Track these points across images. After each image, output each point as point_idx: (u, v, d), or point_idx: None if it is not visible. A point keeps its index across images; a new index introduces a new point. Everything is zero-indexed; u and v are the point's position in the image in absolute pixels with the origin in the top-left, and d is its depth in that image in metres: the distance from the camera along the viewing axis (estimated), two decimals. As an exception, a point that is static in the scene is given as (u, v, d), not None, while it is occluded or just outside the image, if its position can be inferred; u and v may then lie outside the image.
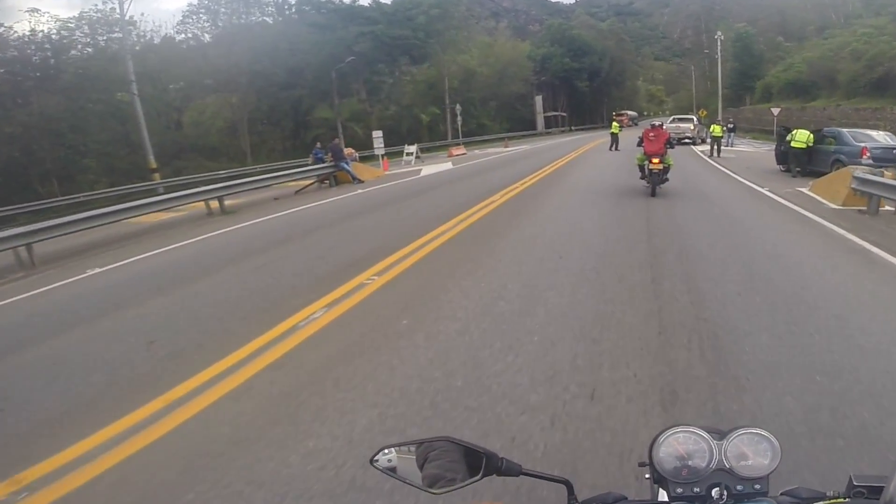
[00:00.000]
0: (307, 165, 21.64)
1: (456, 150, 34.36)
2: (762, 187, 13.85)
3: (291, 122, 40.58)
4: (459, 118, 49.75)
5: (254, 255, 9.10)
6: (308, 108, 39.70)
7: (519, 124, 65.93)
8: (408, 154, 29.67)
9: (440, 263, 7.55)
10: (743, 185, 14.92)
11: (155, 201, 14.13)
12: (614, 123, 30.36)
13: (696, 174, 18.16)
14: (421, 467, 1.08)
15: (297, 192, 18.98)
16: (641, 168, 12.91)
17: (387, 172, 24.33)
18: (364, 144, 39.21)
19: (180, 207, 15.69)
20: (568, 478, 1.11)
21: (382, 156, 25.39)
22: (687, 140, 32.89)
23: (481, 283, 6.33)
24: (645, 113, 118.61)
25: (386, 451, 1.11)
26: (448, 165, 25.52)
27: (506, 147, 39.55)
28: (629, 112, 74.20)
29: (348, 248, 9.02)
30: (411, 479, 1.08)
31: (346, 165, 20.00)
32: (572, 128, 76.38)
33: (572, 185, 15.88)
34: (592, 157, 25.77)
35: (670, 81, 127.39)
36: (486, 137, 53.44)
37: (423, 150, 40.18)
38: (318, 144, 21.38)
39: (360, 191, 17.48)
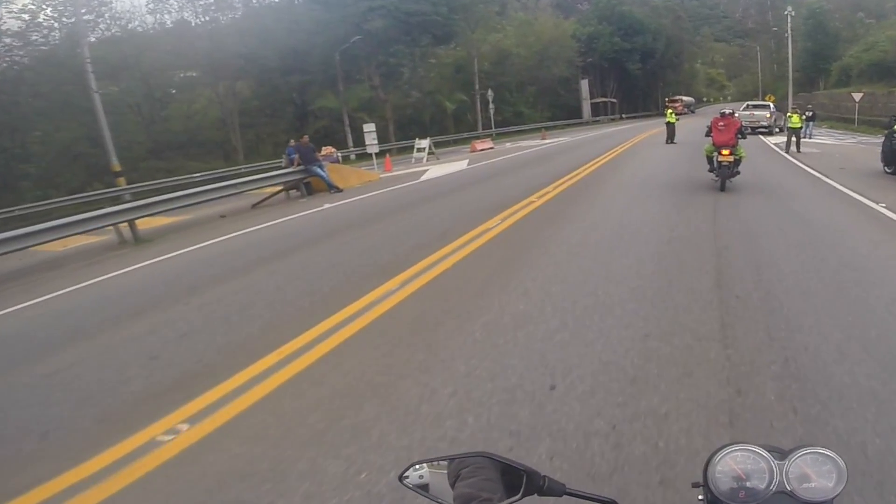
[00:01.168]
0: (282, 168, 17.92)
1: (480, 144, 30.55)
2: (877, 202, 9.92)
3: (292, 114, 37.10)
4: (492, 106, 45.80)
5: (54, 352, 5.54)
6: (314, 96, 36.13)
7: (562, 112, 62.19)
8: (419, 150, 26.05)
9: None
10: (842, 195, 11.10)
11: (42, 229, 10.59)
12: (669, 111, 26.59)
13: (774, 176, 14.45)
14: (453, 485, 1.05)
15: (254, 205, 15.42)
16: (710, 160, 12.27)
17: (386, 175, 20.83)
18: (378, 137, 35.65)
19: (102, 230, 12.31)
20: (615, 498, 1.08)
21: (376, 154, 21.58)
22: (762, 129, 30.23)
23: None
24: (704, 99, 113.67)
25: (417, 466, 1.09)
26: (462, 165, 21.76)
27: (543, 139, 36.03)
28: (684, 98, 68.87)
29: (241, 324, 5.79)
30: (443, 498, 1.05)
31: (319, 170, 16.41)
32: (623, 116, 71.73)
33: (602, 215, 12.32)
34: (644, 152, 22.20)
35: (732, 65, 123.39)
36: (523, 127, 49.93)
37: (444, 144, 36.59)
38: (292, 142, 17.67)
39: (327, 206, 13.98)
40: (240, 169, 26.26)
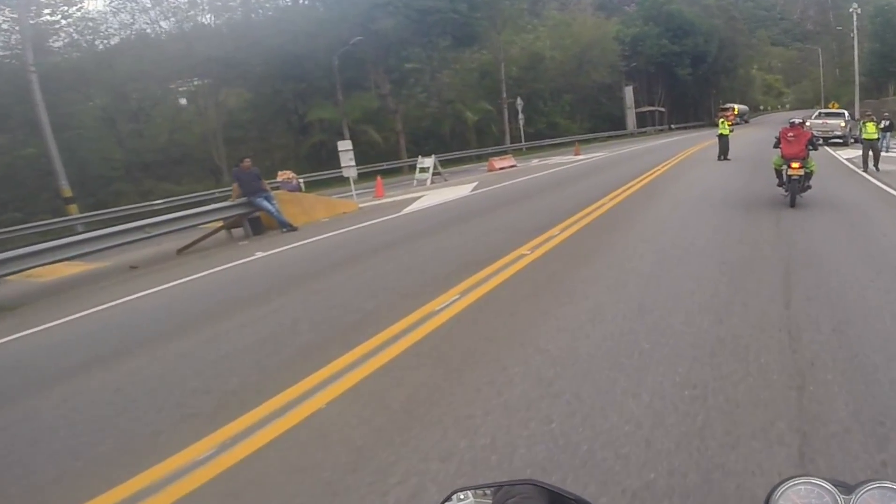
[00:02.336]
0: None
1: (500, 162, 27.56)
2: None
3: (287, 127, 34.33)
4: (521, 116, 42.76)
5: None
6: (312, 107, 33.39)
7: (604, 123, 59.49)
8: (421, 170, 22.95)
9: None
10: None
11: None
12: (722, 122, 23.08)
13: (850, 199, 12.25)
14: None
15: (179, 250, 12.52)
16: (779, 173, 11.87)
17: (370, 203, 17.91)
18: (386, 153, 32.87)
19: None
20: None
21: (354, 179, 18.57)
22: (836, 140, 27.75)
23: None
24: (761, 108, 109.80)
25: (461, 494, 1.06)
26: (467, 189, 18.82)
27: (576, 154, 32.95)
28: (737, 106, 64.34)
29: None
30: None
31: (265, 203, 13.36)
32: (672, 126, 69.08)
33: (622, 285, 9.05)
34: (691, 172, 19.14)
35: (790, 70, 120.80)
36: (558, 140, 47.20)
37: (463, 161, 33.63)
38: (241, 164, 14.63)
39: (258, 255, 11.05)
40: (212, 193, 23.49)
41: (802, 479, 0.99)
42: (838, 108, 36.09)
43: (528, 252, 8.68)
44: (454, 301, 6.44)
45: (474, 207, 15.02)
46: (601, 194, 14.36)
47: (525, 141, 45.36)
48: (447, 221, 12.96)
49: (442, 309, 6.20)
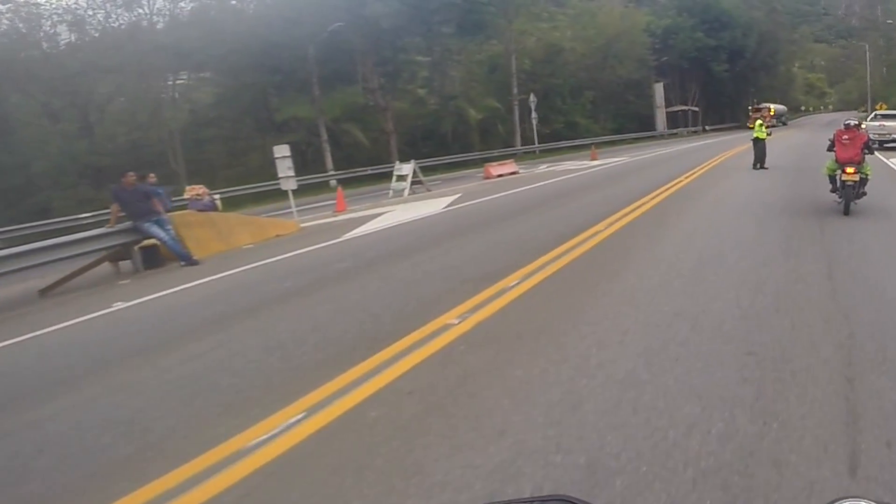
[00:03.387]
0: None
1: (497, 168, 25.10)
2: None
3: (256, 126, 31.68)
4: (534, 115, 39.82)
5: None
6: (285, 103, 30.77)
7: (631, 123, 57.42)
8: (398, 178, 20.36)
9: None
10: None
11: None
12: (758, 123, 20.39)
13: None
14: None
15: (42, 290, 10.08)
16: (832, 179, 11.25)
17: (321, 221, 15.46)
18: (374, 156, 30.34)
19: None
20: None
21: (293, 191, 16.01)
22: (893, 144, 26.05)
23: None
24: (803, 108, 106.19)
25: None
26: (441, 204, 16.27)
27: (593, 159, 30.52)
28: (773, 106, 61.04)
29: None
30: None
31: (156, 230, 10.79)
32: (706, 128, 66.85)
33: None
34: (721, 184, 16.38)
35: (834, 69, 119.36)
36: (576, 142, 44.64)
37: (462, 166, 31.03)
38: (122, 179, 11.97)
39: (118, 306, 8.43)
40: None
41: (851, 500, 0.99)
42: (886, 110, 34.28)
43: (456, 321, 5.96)
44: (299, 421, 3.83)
45: (433, 233, 12.46)
46: (602, 214, 11.79)
47: (538, 143, 42.96)
48: (385, 255, 10.35)
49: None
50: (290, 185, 15.67)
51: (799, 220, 10.28)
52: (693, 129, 65.47)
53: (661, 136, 57.82)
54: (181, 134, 29.05)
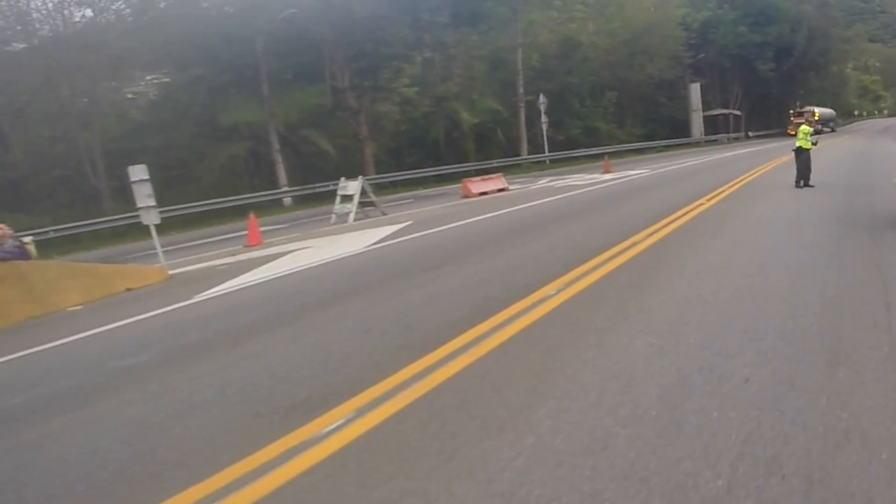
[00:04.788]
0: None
1: (480, 185, 22.63)
2: None
3: (197, 133, 28.45)
4: (544, 119, 37.06)
5: None
6: (230, 106, 27.67)
7: (662, 128, 55.65)
8: (343, 197, 17.32)
9: None
10: None
11: None
12: (803, 128, 17.51)
13: None
14: None
15: None
16: None
17: (207, 265, 13.02)
18: (344, 169, 27.34)
19: None
20: None
21: (156, 225, 12.79)
22: None
23: None
24: (856, 112, 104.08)
25: None
26: (368, 240, 13.57)
27: (606, 171, 27.84)
28: (818, 109, 57.53)
29: None
30: None
31: None
32: (749, 134, 64.72)
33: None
34: (753, 208, 13.24)
35: (890, 70, 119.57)
36: (595, 150, 41.49)
37: (446, 180, 27.86)
38: None
39: None
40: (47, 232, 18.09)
41: None
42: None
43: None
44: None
45: (318, 290, 9.41)
46: (581, 257, 8.93)
47: (549, 151, 40.02)
48: (210, 339, 7.38)
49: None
50: (151, 218, 12.48)
51: (856, 273, 7.27)
52: (734, 135, 63.30)
53: (698, 144, 55.70)
54: (105, 144, 25.99)
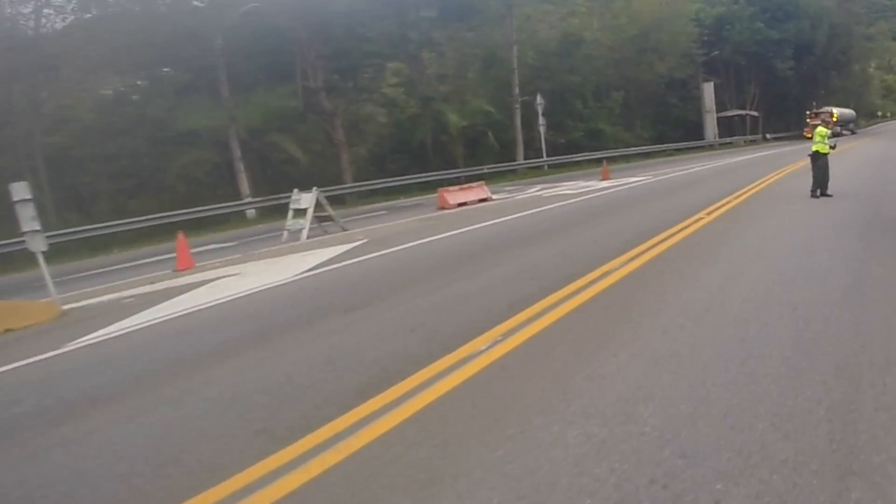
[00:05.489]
0: None
1: (459, 195, 21.51)
2: None
3: (150, 140, 26.89)
4: (542, 121, 36.57)
5: None
6: (187, 110, 26.24)
7: (674, 130, 54.41)
8: (296, 212, 15.98)
9: None
10: None
11: None
12: (819, 130, 16.21)
13: None
14: None
15: None
16: None
17: (121, 295, 11.66)
18: (319, 177, 26.18)
19: None
20: None
21: (43, 252, 11.28)
22: None
23: None
24: (879, 114, 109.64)
25: None
26: (308, 264, 12.59)
27: (604, 178, 26.76)
28: (836, 109, 56.44)
29: None
30: None
31: None
32: (767, 136, 63.05)
33: None
34: (759, 228, 11.62)
35: None
36: (600, 154, 40.47)
37: (427, 189, 26.58)
38: None
39: None
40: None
41: None
42: None
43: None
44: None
45: (223, 335, 7.91)
46: (535, 294, 7.64)
47: (549, 155, 38.93)
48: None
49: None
50: (36, 244, 10.91)
51: (882, 316, 5.95)
52: (752, 137, 61.85)
53: (712, 147, 54.50)
54: (50, 153, 24.59)
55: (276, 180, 26.90)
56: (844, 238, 9.69)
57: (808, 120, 44.29)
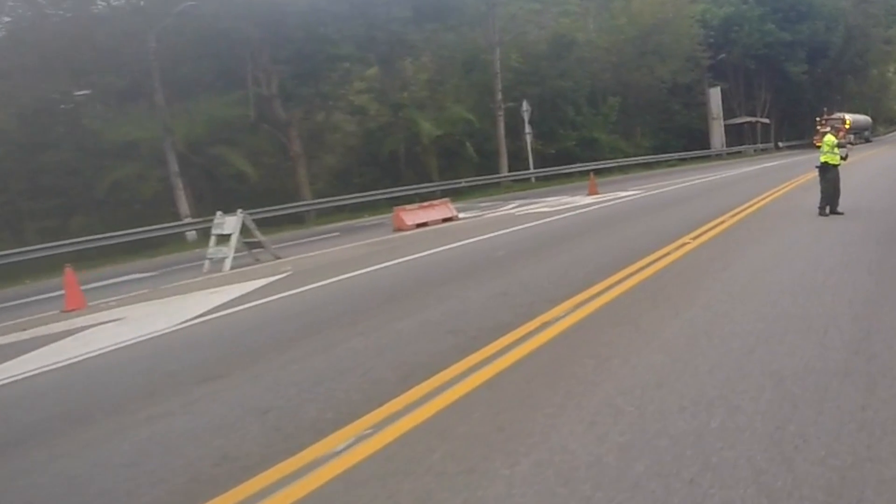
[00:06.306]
0: None
1: (415, 214, 20.61)
2: None
3: (79, 155, 25.35)
4: (529, 129, 36.09)
5: None
6: (116, 122, 24.97)
7: (678, 139, 53.97)
8: (219, 238, 14.86)
9: None
10: None
11: None
12: (827, 138, 15.29)
13: None
14: None
15: None
16: None
17: None
18: (274, 194, 24.94)
19: None
20: None
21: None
22: None
23: None
24: None
25: None
26: (204, 306, 11.17)
27: (591, 193, 25.69)
28: (849, 116, 56.09)
29: None
30: None
31: None
32: (779, 144, 62.60)
33: None
34: (757, 252, 10.59)
35: None
36: (594, 165, 39.47)
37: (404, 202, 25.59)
38: None
39: None
40: None
41: None
42: None
43: None
44: None
45: (49, 411, 6.60)
46: (436, 362, 6.22)
47: (537, 167, 37.80)
48: None
49: None
50: None
51: None
52: (763, 146, 61.36)
53: (719, 157, 54.12)
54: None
55: (224, 198, 25.58)
56: (853, 271, 8.36)
57: (818, 127, 43.33)
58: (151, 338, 8.96)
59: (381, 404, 5.17)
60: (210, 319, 9.69)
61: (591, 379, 5.35)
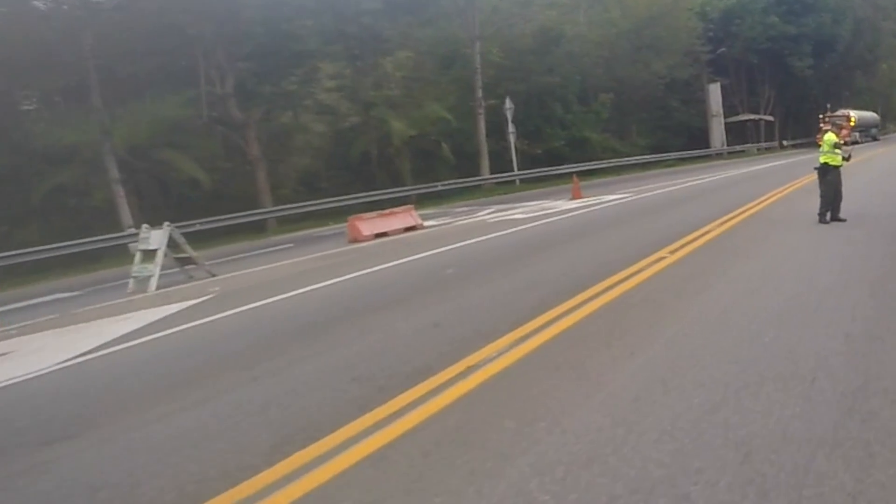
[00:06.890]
0: None
1: (372, 224, 20.07)
2: None
3: (10, 161, 24.40)
4: (512, 128, 35.77)
5: None
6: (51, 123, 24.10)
7: (676, 138, 54.28)
8: (145, 255, 13.96)
9: None
10: None
11: None
12: (827, 137, 14.46)
13: None
14: None
15: None
16: None
17: None
18: (232, 202, 24.06)
19: None
20: None
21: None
22: None
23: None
24: None
25: None
26: (108, 335, 10.22)
27: (575, 196, 25.31)
28: (854, 113, 55.45)
29: None
30: None
31: None
32: (784, 143, 62.97)
33: None
34: (745, 268, 9.70)
35: None
36: (583, 166, 39.09)
37: (375, 208, 24.94)
38: None
39: None
40: None
41: None
42: None
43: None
44: None
45: None
46: (372, 394, 5.76)
47: (522, 168, 37.31)
48: None
49: None
50: None
51: None
52: (767, 144, 61.82)
53: (720, 156, 54.40)
54: None
55: (176, 207, 24.66)
56: (853, 294, 7.36)
57: (820, 125, 42.80)
58: (25, 380, 8.00)
59: (235, 483, 4.30)
60: (97, 357, 8.71)
61: (504, 451, 4.37)
